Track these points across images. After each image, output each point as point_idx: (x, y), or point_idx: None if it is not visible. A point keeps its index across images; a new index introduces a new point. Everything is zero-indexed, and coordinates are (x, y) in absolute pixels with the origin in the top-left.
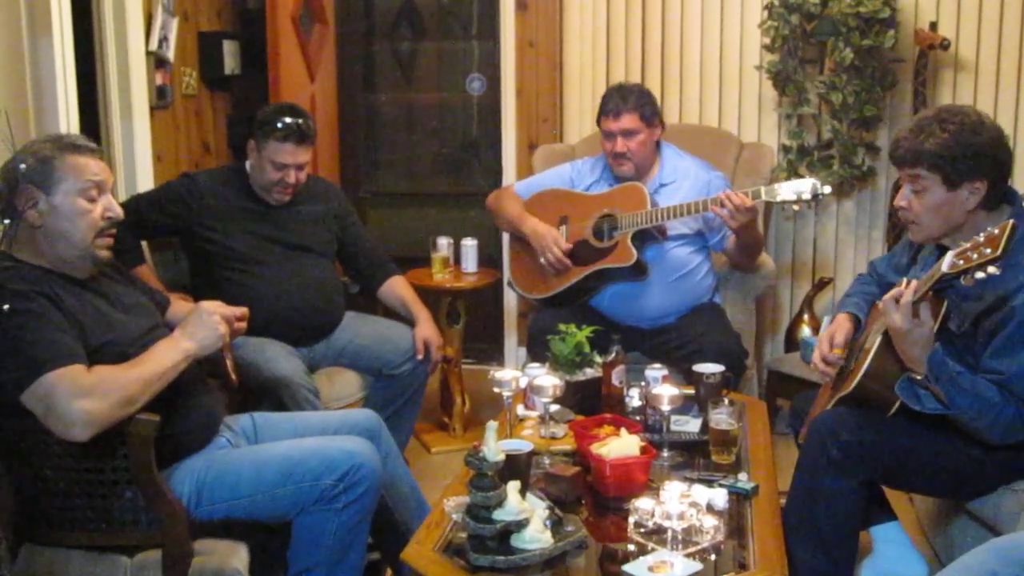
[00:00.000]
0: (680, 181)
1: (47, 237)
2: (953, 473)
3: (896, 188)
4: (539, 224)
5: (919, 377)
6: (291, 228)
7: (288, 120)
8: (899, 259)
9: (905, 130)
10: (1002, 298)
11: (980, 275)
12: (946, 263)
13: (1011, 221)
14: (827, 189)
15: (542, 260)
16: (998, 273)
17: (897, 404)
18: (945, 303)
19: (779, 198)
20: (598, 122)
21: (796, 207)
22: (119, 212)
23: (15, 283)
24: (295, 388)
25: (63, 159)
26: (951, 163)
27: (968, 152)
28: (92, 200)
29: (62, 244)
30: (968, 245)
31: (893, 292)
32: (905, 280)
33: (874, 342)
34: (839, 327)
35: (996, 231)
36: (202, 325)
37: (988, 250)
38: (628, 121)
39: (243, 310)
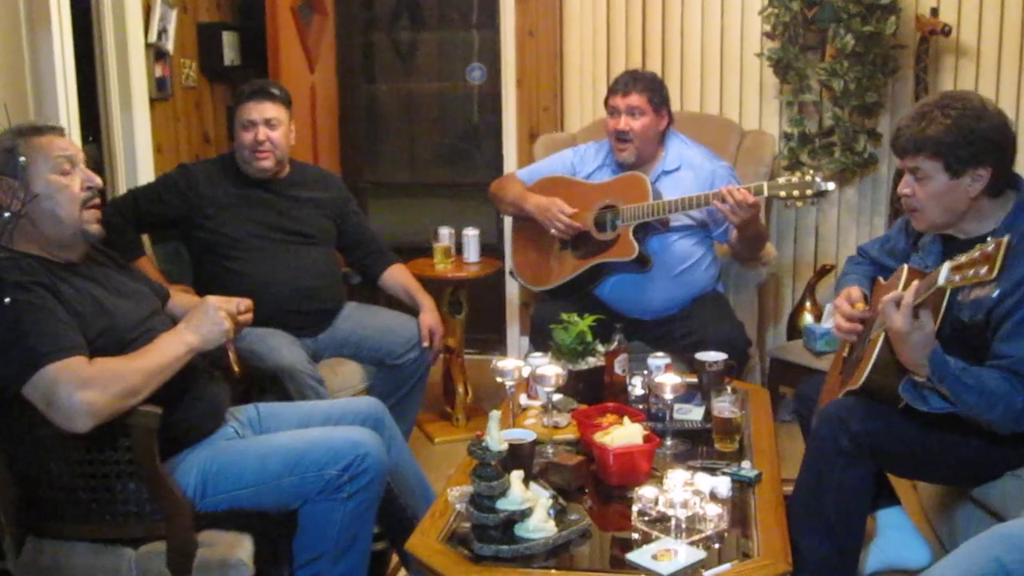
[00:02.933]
0: (684, 170)
1: (35, 222)
2: (962, 462)
3: (898, 175)
4: (541, 199)
5: (921, 379)
6: (289, 215)
7: (252, 83)
8: (894, 244)
9: (906, 118)
10: (1016, 283)
11: (977, 293)
12: (942, 277)
13: (1006, 237)
14: (831, 186)
15: (552, 231)
16: (994, 294)
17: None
18: (947, 296)
19: (782, 194)
20: (606, 102)
21: (799, 203)
22: (97, 181)
23: (13, 274)
24: (299, 377)
25: (27, 143)
26: (953, 150)
27: (970, 139)
28: (67, 174)
29: (51, 225)
30: (964, 260)
31: (893, 295)
32: (905, 268)
33: (879, 335)
34: (851, 289)
35: (991, 248)
36: (207, 319)
37: (983, 270)
38: (636, 99)
39: (248, 302)
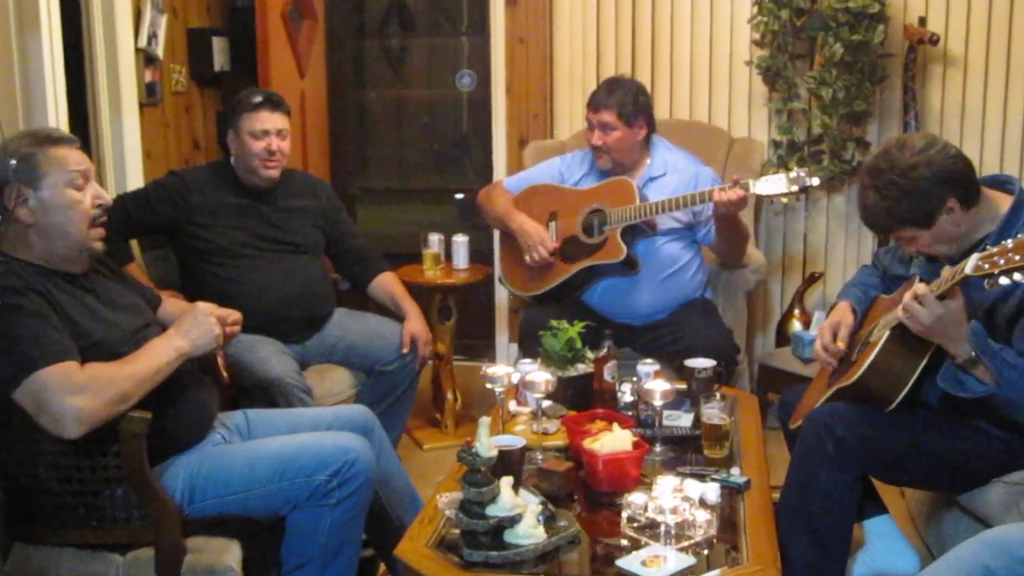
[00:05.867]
0: (669, 175)
1: (42, 234)
2: (948, 468)
3: None
4: (527, 221)
5: (960, 361)
6: (279, 224)
7: (255, 92)
8: (903, 251)
9: (859, 201)
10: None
11: (1004, 281)
12: (970, 265)
13: None
14: (815, 181)
15: (527, 259)
16: None
17: (898, 399)
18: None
19: (767, 191)
20: (585, 114)
21: (784, 200)
22: (108, 198)
23: (7, 279)
24: (287, 388)
25: (45, 153)
26: (910, 215)
27: (914, 197)
28: (81, 189)
29: (59, 239)
30: (995, 250)
31: (913, 292)
32: (917, 279)
33: (881, 336)
34: (842, 318)
35: None
36: (197, 325)
37: (1017, 256)
38: (606, 116)
39: (237, 315)
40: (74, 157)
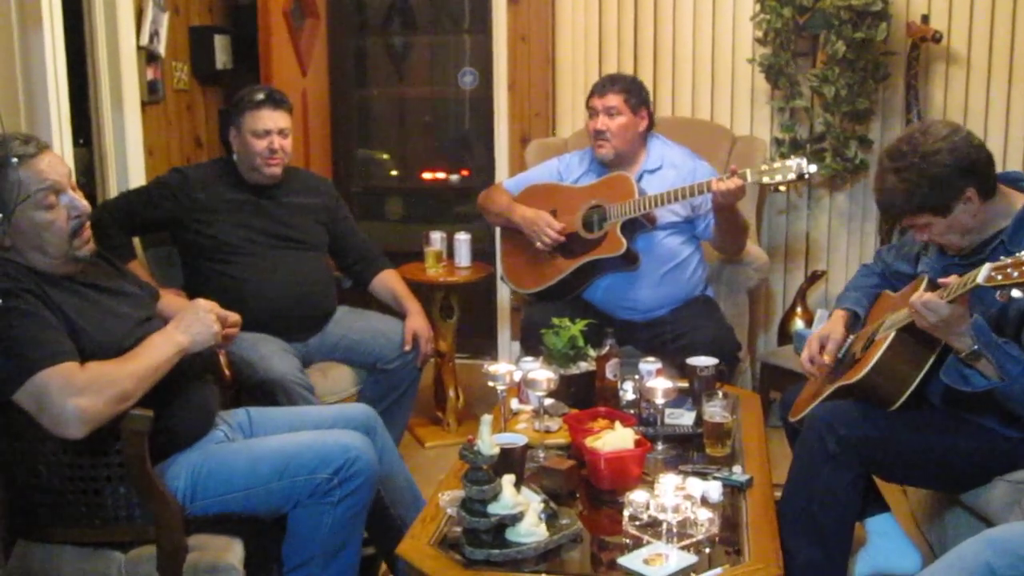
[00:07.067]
0: (666, 169)
1: (22, 251)
2: (951, 466)
3: None
4: (528, 210)
5: (963, 355)
6: (282, 221)
7: (257, 90)
8: (909, 248)
9: (875, 182)
10: None
11: (1017, 293)
12: (982, 275)
13: None
14: (813, 168)
15: (538, 244)
16: None
17: (901, 400)
18: None
19: (765, 180)
20: (587, 104)
21: (783, 188)
22: (84, 207)
23: (0, 281)
24: (290, 387)
25: (6, 177)
26: (928, 201)
27: (935, 183)
28: (52, 207)
29: (38, 256)
30: (1009, 261)
31: (917, 299)
32: (925, 280)
33: (887, 336)
34: (833, 330)
35: None
36: (197, 321)
37: None
38: (612, 99)
39: (236, 317)
40: (41, 170)
